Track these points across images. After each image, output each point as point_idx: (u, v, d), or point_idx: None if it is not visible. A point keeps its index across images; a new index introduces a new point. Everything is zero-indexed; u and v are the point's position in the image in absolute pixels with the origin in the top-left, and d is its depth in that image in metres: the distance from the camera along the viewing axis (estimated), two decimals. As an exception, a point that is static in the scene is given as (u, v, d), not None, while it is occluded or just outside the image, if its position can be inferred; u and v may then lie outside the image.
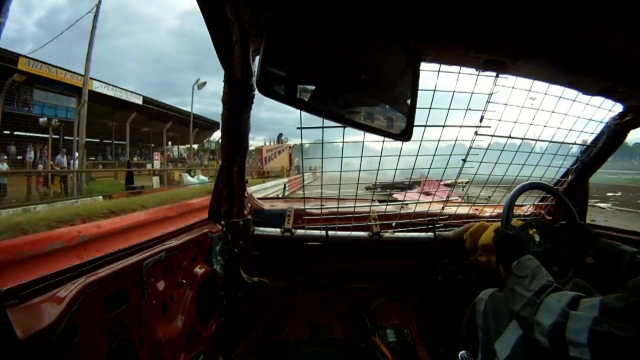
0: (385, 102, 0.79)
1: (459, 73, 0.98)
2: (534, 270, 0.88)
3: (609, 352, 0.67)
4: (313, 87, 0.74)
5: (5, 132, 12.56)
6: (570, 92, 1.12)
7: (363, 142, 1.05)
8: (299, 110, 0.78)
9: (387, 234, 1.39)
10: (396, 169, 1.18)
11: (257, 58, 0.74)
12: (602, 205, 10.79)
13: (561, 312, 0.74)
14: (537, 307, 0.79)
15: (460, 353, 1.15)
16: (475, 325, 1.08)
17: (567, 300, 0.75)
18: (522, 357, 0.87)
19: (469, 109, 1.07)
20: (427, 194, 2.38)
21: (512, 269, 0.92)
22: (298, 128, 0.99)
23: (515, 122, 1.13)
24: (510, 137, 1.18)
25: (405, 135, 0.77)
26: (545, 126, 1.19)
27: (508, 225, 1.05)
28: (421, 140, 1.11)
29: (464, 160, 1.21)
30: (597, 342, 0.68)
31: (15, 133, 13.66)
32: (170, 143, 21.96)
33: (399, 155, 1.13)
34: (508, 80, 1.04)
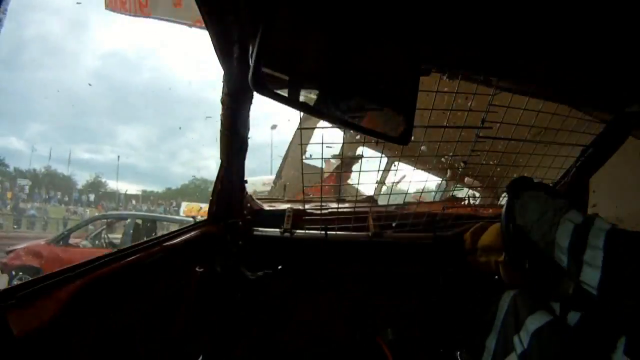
0: (385, 104, 0.78)
1: (461, 74, 0.98)
2: (549, 196, 0.92)
3: (621, 260, 0.68)
4: (311, 88, 0.74)
5: None
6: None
7: (363, 142, 1.05)
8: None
9: (387, 235, 1.39)
10: (396, 170, 1.18)
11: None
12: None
13: (589, 217, 0.77)
14: (563, 213, 0.81)
15: (458, 353, 1.16)
16: (491, 325, 1.08)
17: (595, 213, 0.80)
18: (536, 351, 0.90)
19: (470, 110, 1.07)
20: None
21: (524, 193, 0.97)
22: (298, 129, 0.99)
23: (517, 125, 1.13)
24: (511, 139, 1.18)
25: (404, 138, 0.77)
26: (546, 128, 1.19)
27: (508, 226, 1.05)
28: (422, 142, 1.11)
29: (465, 162, 1.21)
30: (613, 245, 0.69)
31: None
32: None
33: (400, 156, 1.13)
34: (509, 82, 1.04)
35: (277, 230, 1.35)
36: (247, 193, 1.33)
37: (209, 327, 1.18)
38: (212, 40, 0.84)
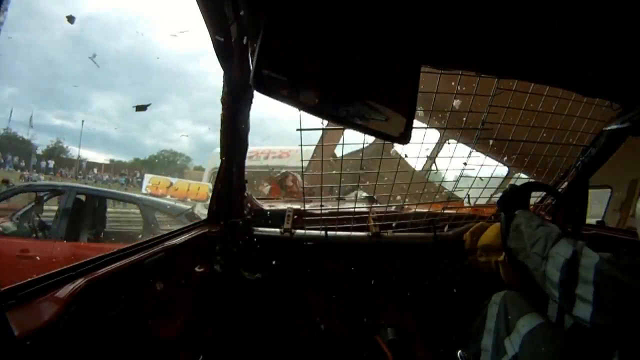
0: (385, 104, 0.78)
1: (460, 75, 0.98)
2: (540, 219, 0.92)
3: (610, 294, 0.69)
4: (312, 87, 0.74)
5: None
6: (570, 94, 1.12)
7: (363, 144, 1.05)
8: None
9: (387, 235, 1.39)
10: (396, 171, 1.18)
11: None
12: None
13: (579, 249, 0.77)
14: (552, 244, 0.81)
15: (459, 352, 1.16)
16: (482, 329, 1.09)
17: (584, 243, 0.78)
18: (528, 353, 0.89)
19: (471, 111, 1.07)
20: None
21: (517, 213, 0.97)
22: (298, 130, 0.99)
23: (516, 125, 1.13)
24: (511, 140, 1.18)
25: (404, 138, 0.77)
26: (545, 127, 1.19)
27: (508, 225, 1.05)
28: (422, 143, 1.11)
29: (466, 164, 1.21)
30: (602, 280, 0.69)
31: None
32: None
33: (400, 158, 1.13)
34: (509, 83, 1.04)
35: (277, 230, 1.35)
36: (247, 193, 1.33)
37: (210, 327, 1.18)
38: (212, 39, 0.84)
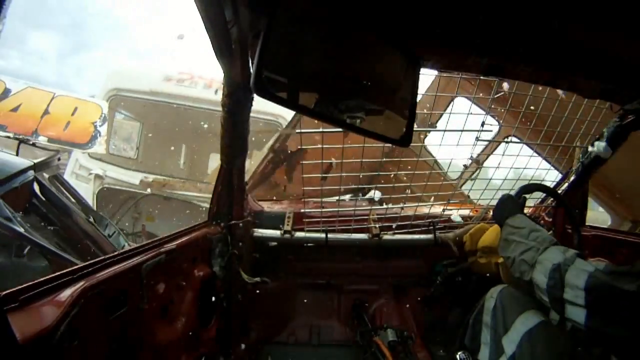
0: (385, 106, 0.78)
1: (460, 77, 0.97)
2: (531, 224, 0.92)
3: (604, 300, 0.70)
4: (312, 90, 0.74)
5: None
6: (571, 95, 1.12)
7: (363, 146, 1.05)
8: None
9: (387, 236, 1.39)
10: (397, 173, 1.18)
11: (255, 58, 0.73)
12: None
13: (569, 257, 0.77)
14: (542, 251, 0.82)
15: (459, 354, 1.16)
16: (480, 323, 1.09)
17: (576, 252, 0.79)
18: (527, 354, 0.89)
19: (471, 113, 1.07)
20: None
21: (506, 222, 0.96)
22: (298, 132, 0.99)
23: (516, 127, 1.13)
24: (511, 141, 1.18)
25: (404, 140, 0.77)
26: (546, 129, 1.19)
27: None
28: (422, 145, 1.11)
29: (465, 166, 1.21)
30: (594, 287, 0.70)
31: None
32: None
33: (400, 159, 1.13)
34: (509, 84, 1.04)
35: (278, 231, 1.35)
36: (247, 194, 1.33)
37: (211, 328, 1.19)
38: (211, 42, 0.84)
